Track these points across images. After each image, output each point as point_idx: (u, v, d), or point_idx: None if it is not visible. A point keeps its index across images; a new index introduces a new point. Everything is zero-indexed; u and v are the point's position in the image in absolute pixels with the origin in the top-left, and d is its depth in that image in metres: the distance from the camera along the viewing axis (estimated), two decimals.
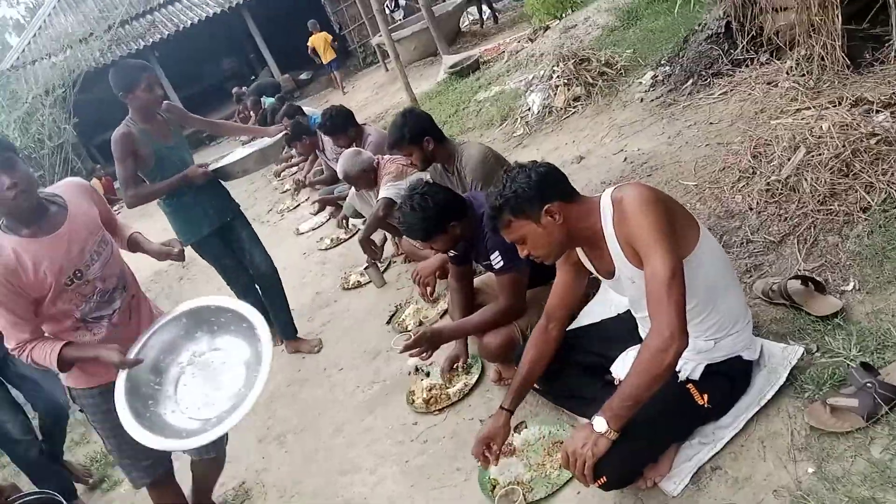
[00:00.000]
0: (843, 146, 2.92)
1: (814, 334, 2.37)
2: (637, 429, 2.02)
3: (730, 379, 2.23)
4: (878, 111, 3.27)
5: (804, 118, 3.38)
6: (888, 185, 2.75)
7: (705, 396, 2.18)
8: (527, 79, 6.86)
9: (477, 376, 3.10)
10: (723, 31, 4.90)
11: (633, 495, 2.19)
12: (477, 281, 3.29)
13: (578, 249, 2.32)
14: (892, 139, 2.93)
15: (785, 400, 2.21)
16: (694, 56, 5.06)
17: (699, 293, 2.11)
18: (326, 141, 5.85)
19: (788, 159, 3.07)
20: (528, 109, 6.19)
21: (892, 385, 1.99)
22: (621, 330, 2.54)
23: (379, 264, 4.62)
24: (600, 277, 2.33)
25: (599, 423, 2.00)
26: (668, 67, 5.42)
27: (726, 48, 4.89)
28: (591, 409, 2.49)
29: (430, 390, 3.15)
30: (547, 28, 8.72)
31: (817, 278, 2.49)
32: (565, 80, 5.95)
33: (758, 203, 3.08)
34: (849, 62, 3.86)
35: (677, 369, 2.18)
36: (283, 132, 4.28)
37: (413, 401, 3.16)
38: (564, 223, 2.11)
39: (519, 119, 6.24)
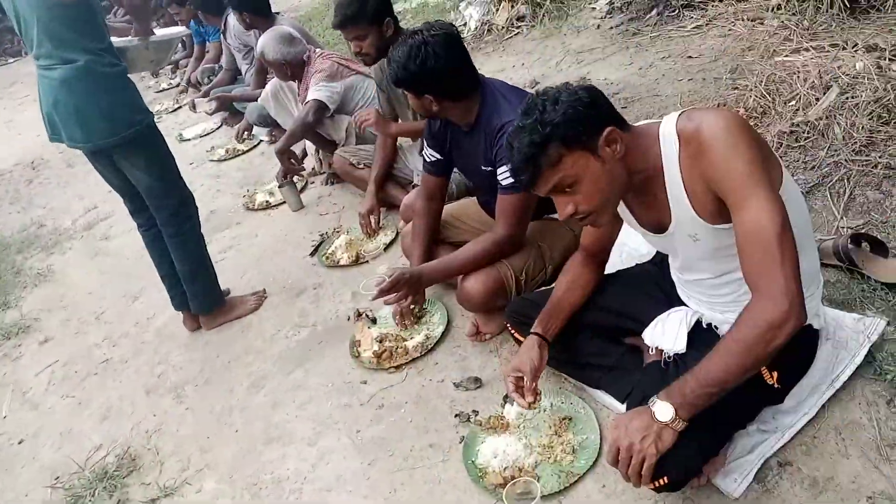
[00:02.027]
0: (886, 89, 2.54)
1: (880, 304, 1.99)
2: (701, 415, 1.54)
3: (797, 353, 1.80)
4: (890, 59, 2.94)
5: (826, 57, 2.98)
6: None
7: (775, 375, 1.72)
8: None
9: (442, 328, 2.52)
10: None
11: (681, 494, 1.73)
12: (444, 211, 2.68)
13: None
14: None
15: (860, 382, 1.82)
16: None
17: None
18: (231, 25, 4.89)
19: (817, 99, 2.67)
20: (465, 24, 5.52)
21: None
22: (646, 284, 2.05)
23: (297, 182, 3.87)
24: (643, 231, 1.80)
25: (664, 411, 1.50)
26: None
27: None
28: (607, 381, 2.05)
29: (381, 341, 2.55)
30: None
31: (880, 237, 2.11)
32: None
33: (777, 146, 2.67)
34: (847, 4, 3.53)
35: None
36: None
37: (359, 353, 2.55)
38: (623, 157, 1.56)
39: None
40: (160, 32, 3.04)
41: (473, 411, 2.15)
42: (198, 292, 2.93)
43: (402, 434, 2.17)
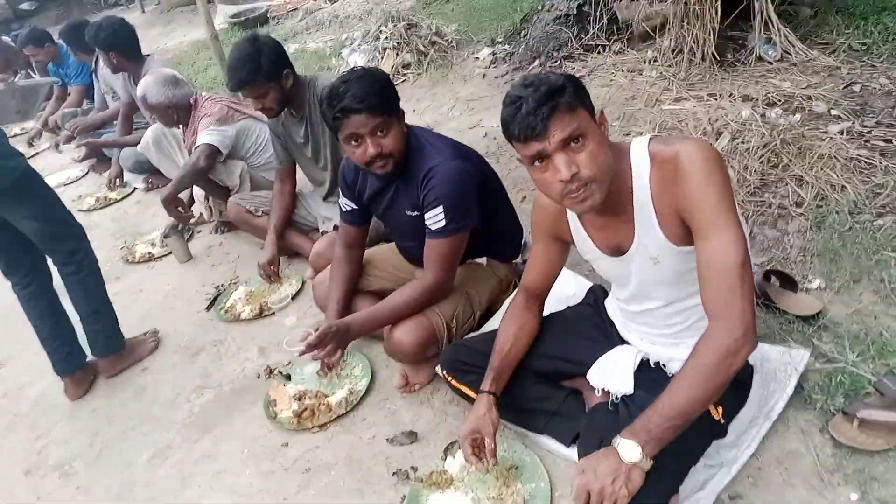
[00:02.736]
0: (772, 135, 2.75)
1: (798, 336, 2.10)
2: (661, 453, 1.54)
3: (735, 387, 1.85)
4: (765, 107, 3.21)
5: (711, 105, 3.20)
6: (816, 180, 2.63)
7: (720, 409, 1.76)
8: (340, 38, 6.15)
9: (366, 381, 2.39)
10: (574, 13, 4.69)
11: None
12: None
13: (572, 217, 1.77)
14: (807, 134, 2.84)
15: (792, 412, 1.89)
16: (541, 36, 4.78)
17: None
18: (102, 70, 4.55)
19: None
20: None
21: None
22: (583, 325, 2.05)
23: (184, 231, 3.60)
24: (596, 255, 1.79)
25: (630, 450, 1.49)
26: (507, 46, 5.11)
27: (576, 32, 4.70)
28: (551, 426, 2.01)
29: (299, 399, 2.37)
30: None
31: (789, 273, 2.24)
32: (395, 44, 5.34)
33: None
34: (717, 58, 3.83)
35: None
36: None
37: (276, 414, 2.35)
38: None
39: None
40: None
41: (412, 468, 2.03)
42: (100, 334, 2.70)
43: (335, 499, 2.01)
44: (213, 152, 3.34)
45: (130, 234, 4.03)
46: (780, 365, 1.96)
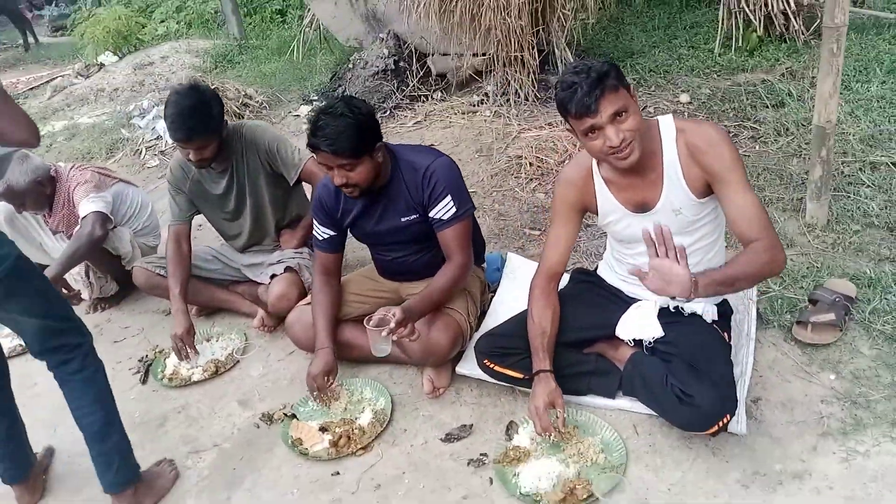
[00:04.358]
0: None
1: None
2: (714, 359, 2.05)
3: (726, 320, 2.34)
4: None
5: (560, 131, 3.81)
6: None
7: (726, 335, 2.24)
8: (121, 110, 5.89)
9: (385, 399, 2.45)
10: (392, 68, 5.12)
11: (704, 445, 2.07)
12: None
13: (599, 184, 2.14)
14: None
15: (760, 333, 2.43)
16: (362, 91, 5.12)
17: (719, 232, 2.18)
18: None
19: None
20: (159, 137, 5.24)
21: (849, 296, 2.42)
22: (591, 296, 2.38)
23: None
24: (619, 212, 2.13)
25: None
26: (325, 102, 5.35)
27: (396, 85, 5.12)
28: (594, 384, 2.31)
29: (323, 430, 2.35)
30: (102, 66, 7.51)
31: None
32: None
33: None
34: (538, 96, 4.52)
35: (700, 312, 2.20)
36: None
37: (307, 451, 2.30)
38: None
39: (144, 149, 5.22)
40: None
41: (481, 454, 2.18)
42: (114, 455, 2.11)
43: (425, 501, 2.07)
44: (104, 219, 3.08)
45: None
46: (737, 300, 2.50)
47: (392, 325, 2.15)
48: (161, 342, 3.03)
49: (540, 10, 4.40)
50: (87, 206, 3.06)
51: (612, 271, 2.39)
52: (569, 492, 1.96)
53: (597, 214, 2.21)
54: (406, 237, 2.48)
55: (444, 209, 2.33)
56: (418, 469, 2.18)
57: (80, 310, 3.32)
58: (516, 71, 4.49)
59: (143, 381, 2.83)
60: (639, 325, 2.23)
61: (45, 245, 3.40)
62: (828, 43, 2.64)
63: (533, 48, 4.42)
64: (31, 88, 7.75)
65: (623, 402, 2.25)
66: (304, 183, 2.98)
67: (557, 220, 2.25)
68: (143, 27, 7.79)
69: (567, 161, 3.47)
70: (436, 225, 2.37)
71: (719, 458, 2.02)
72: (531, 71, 4.47)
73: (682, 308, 2.21)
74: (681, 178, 2.01)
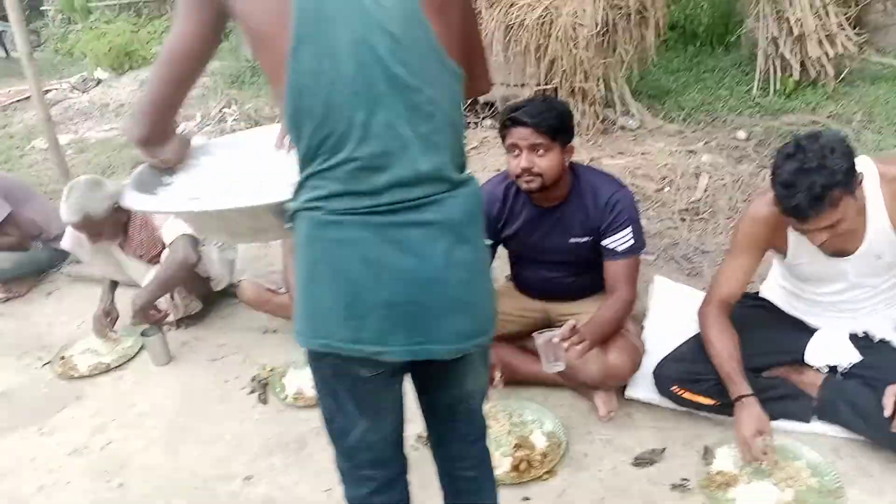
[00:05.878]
0: (737, 170, 3.44)
1: None
2: None
3: None
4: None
5: (643, 158, 3.84)
6: None
7: None
8: None
9: (553, 424, 2.32)
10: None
11: None
12: None
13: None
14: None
15: None
16: None
17: None
18: None
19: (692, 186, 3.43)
20: None
21: None
22: (769, 321, 2.35)
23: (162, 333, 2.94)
24: (817, 257, 2.07)
25: None
26: None
27: None
28: (783, 410, 2.23)
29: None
30: (99, 81, 7.19)
31: None
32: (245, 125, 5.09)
33: (682, 221, 3.31)
34: (602, 127, 4.56)
35: (889, 339, 2.19)
36: None
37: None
38: None
39: None
40: None
41: (682, 479, 2.08)
42: None
43: None
44: (195, 242, 2.86)
45: (36, 347, 3.12)
46: None
47: (566, 331, 2.07)
48: (269, 360, 2.83)
49: (605, 43, 4.45)
50: (173, 228, 2.83)
51: (787, 303, 2.36)
52: None
53: (784, 256, 2.18)
54: (569, 258, 2.40)
55: (621, 240, 2.27)
56: (618, 495, 2.06)
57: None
58: (577, 101, 4.50)
59: (264, 401, 2.62)
60: (832, 351, 2.20)
61: (122, 263, 3.14)
62: None
63: (599, 80, 4.45)
64: (18, 101, 7.32)
65: (816, 427, 2.20)
66: None
67: (739, 253, 2.20)
68: (148, 42, 7.51)
69: (684, 189, 3.49)
70: (608, 254, 2.31)
71: None
72: (594, 101, 4.50)
73: (872, 334, 2.20)
74: (886, 225, 1.98)
